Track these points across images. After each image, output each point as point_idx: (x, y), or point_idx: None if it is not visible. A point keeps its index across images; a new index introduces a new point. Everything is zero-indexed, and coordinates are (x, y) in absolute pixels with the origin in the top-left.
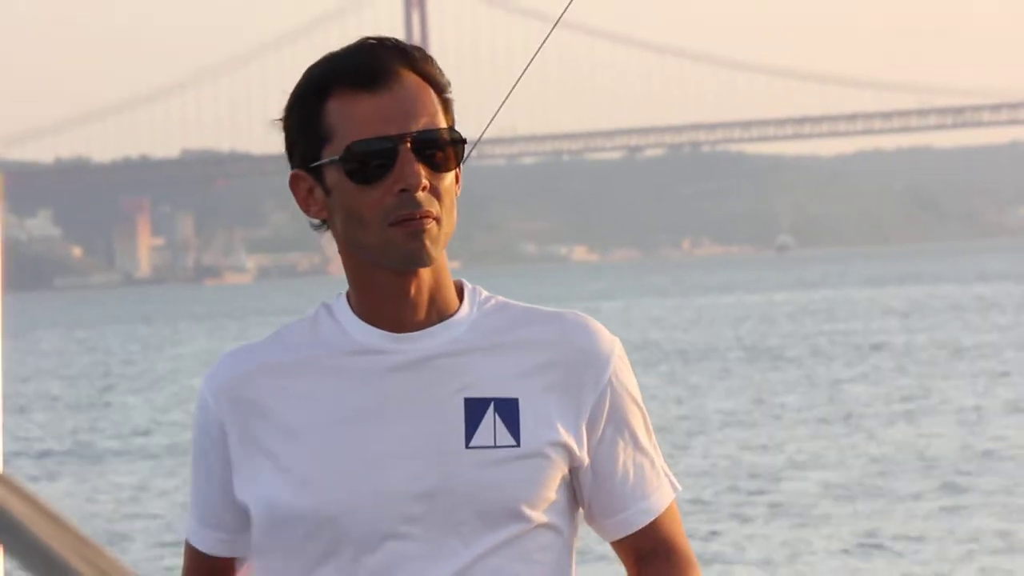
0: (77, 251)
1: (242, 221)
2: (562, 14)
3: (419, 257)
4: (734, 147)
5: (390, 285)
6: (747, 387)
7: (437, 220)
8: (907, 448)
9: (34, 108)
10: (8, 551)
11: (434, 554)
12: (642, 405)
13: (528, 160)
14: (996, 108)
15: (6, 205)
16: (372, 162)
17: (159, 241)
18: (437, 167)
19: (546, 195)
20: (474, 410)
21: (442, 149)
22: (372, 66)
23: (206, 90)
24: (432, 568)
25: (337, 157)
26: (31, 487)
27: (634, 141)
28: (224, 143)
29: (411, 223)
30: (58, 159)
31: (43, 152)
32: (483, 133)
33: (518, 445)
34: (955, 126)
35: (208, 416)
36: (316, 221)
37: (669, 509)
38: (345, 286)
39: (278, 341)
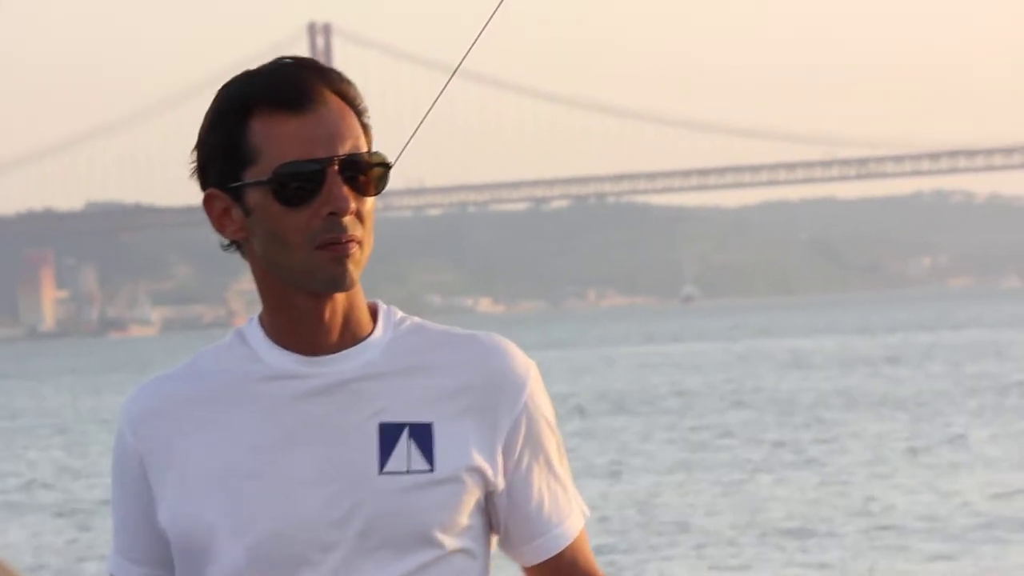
0: None
1: (147, 274)
2: (459, 64)
3: (342, 281)
4: (639, 198)
5: (307, 308)
6: (609, 437)
7: (360, 244)
8: (748, 502)
9: None
10: None
11: None
12: (556, 429)
13: (434, 212)
14: (899, 159)
15: None
16: (300, 185)
17: (63, 294)
18: (362, 190)
19: (452, 247)
20: (388, 435)
21: (366, 173)
22: (296, 86)
23: (110, 143)
24: None
25: (264, 179)
26: None
27: (539, 192)
28: (129, 195)
29: (337, 247)
30: None
31: None
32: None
33: (432, 470)
34: (859, 177)
35: (126, 449)
36: (226, 241)
37: (580, 533)
38: None
39: (192, 369)
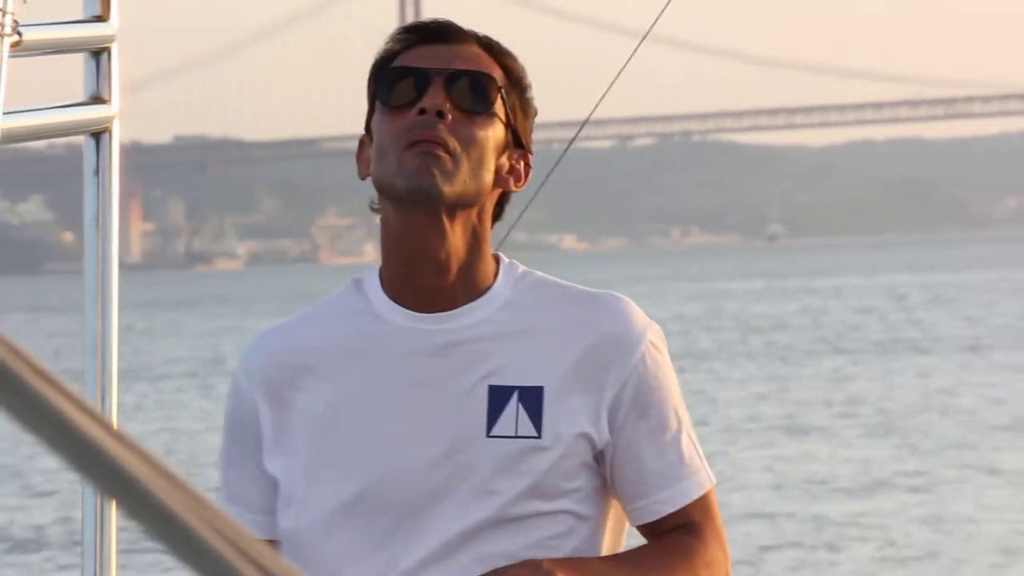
0: (68, 236)
1: (233, 207)
2: (649, 29)
3: (423, 180)
4: (725, 137)
5: (416, 243)
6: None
7: (452, 155)
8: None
9: None
10: (122, 508)
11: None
12: (675, 392)
13: None
14: (987, 100)
15: None
16: (402, 87)
17: (150, 226)
18: (468, 110)
19: (536, 184)
20: (498, 398)
21: (480, 95)
22: (445, 26)
23: (198, 76)
24: (441, 550)
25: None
26: (145, 444)
27: (625, 130)
28: (216, 129)
29: (422, 144)
30: (50, 144)
31: None
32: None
33: (539, 436)
34: (946, 117)
35: (242, 398)
36: (376, 203)
37: (701, 501)
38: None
39: (309, 321)
